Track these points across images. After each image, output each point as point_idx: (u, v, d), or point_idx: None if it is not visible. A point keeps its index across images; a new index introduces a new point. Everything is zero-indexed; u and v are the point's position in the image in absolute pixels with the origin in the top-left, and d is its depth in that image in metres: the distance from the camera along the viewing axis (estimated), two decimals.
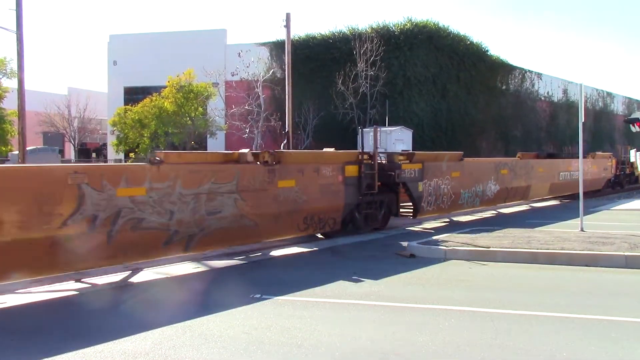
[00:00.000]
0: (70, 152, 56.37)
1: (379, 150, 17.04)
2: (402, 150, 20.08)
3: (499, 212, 22.93)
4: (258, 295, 9.19)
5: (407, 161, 17.19)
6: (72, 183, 9.70)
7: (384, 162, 17.02)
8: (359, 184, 15.60)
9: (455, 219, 20.39)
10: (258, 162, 13.31)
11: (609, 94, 67.20)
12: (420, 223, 19.06)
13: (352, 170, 15.42)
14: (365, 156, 16.00)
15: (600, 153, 32.12)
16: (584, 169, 25.71)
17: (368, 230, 16.35)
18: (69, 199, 9.64)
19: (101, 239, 10.09)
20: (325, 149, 16.07)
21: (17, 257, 9.14)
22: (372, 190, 15.95)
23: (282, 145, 32.65)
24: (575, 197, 22.65)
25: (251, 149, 38.02)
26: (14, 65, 31.27)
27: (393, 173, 16.50)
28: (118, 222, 10.26)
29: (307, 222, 14.23)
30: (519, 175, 22.75)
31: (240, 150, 13.78)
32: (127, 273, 11.18)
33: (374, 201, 16.45)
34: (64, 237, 9.58)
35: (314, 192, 14.25)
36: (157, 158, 11.25)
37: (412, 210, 17.76)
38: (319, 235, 15.46)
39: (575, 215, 16.57)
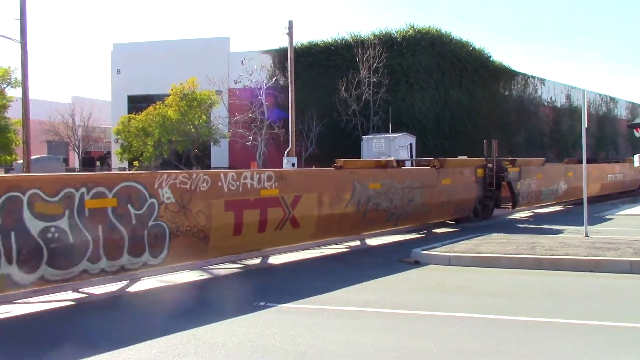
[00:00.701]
0: (75, 160, 56.56)
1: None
2: (505, 159, 23.12)
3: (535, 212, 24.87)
4: (262, 303, 9.19)
5: (511, 165, 21.63)
6: (350, 180, 15.02)
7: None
8: (483, 182, 20.65)
9: (537, 210, 24.76)
10: (431, 167, 18.67)
11: (612, 98, 67.14)
12: (511, 214, 23.40)
13: (480, 172, 20.59)
14: (487, 161, 20.79)
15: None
16: (622, 171, 30.97)
17: (481, 218, 20.77)
18: (348, 190, 15.01)
19: (360, 215, 15.39)
20: (460, 157, 21.69)
21: (328, 225, 14.54)
22: (491, 187, 20.74)
23: (286, 152, 32.71)
24: (608, 197, 29.05)
25: (255, 157, 38.26)
26: (18, 75, 31.51)
27: (503, 174, 20.94)
28: (368, 204, 15.52)
29: (456, 209, 19.52)
30: (579, 177, 25.46)
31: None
32: (124, 283, 11.17)
33: (489, 196, 20.92)
34: (346, 213, 14.89)
35: (460, 187, 19.38)
36: (387, 162, 17.42)
37: (511, 203, 21.85)
38: (450, 222, 20.14)
39: (580, 220, 16.53)
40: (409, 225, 18.20)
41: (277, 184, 13.00)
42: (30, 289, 9.63)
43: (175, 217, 10.88)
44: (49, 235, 9.13)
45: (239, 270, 12.53)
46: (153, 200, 10.54)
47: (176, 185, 10.97)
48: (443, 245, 13.78)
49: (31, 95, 27.56)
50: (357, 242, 16.18)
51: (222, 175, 12.07)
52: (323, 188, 14.38)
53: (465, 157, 21.08)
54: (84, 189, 9.60)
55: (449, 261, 12.38)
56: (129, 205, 10.18)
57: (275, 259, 13.65)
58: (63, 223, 9.29)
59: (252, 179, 12.49)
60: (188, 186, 11.19)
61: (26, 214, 8.94)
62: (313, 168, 17.70)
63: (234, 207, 12.02)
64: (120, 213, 10.03)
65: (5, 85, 33.62)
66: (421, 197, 17.57)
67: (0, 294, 9.28)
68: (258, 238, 12.88)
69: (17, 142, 32.71)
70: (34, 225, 9.00)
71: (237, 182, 12.18)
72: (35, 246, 9.00)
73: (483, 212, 21.06)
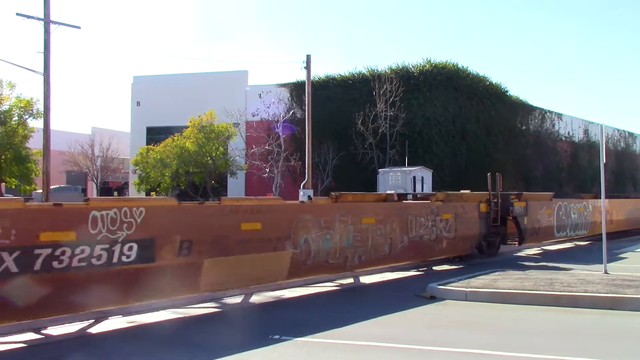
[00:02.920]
0: (93, 190, 57.06)
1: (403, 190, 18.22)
2: (511, 193, 22.56)
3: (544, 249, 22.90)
4: (277, 337, 9.14)
5: (517, 199, 20.91)
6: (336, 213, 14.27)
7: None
8: (487, 217, 19.76)
9: (546, 247, 23.66)
10: (432, 201, 18.46)
11: (630, 134, 66.73)
12: (519, 251, 22.38)
13: (484, 207, 19.75)
14: (491, 195, 19.99)
15: None
16: (636, 206, 30.39)
17: (486, 255, 19.95)
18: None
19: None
20: (463, 191, 20.44)
21: (460, 245, 18.37)
22: (496, 222, 19.90)
23: (302, 184, 32.78)
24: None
25: (272, 189, 38.36)
26: (39, 106, 32.00)
27: (509, 209, 20.24)
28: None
29: (457, 245, 18.73)
30: (592, 213, 26.01)
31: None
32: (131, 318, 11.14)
33: (494, 232, 20.16)
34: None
35: (462, 223, 18.64)
36: (387, 196, 17.12)
37: (518, 239, 21.12)
38: (453, 258, 19.28)
39: (598, 257, 16.32)
40: (406, 262, 17.13)
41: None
42: None
43: None
44: None
45: (255, 302, 12.47)
46: None
47: None
48: (460, 280, 13.64)
49: (52, 126, 27.99)
50: (350, 280, 15.30)
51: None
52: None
53: (468, 191, 20.40)
54: None
55: (466, 296, 12.24)
56: None
57: (283, 293, 13.58)
58: None
59: (232, 211, 11.92)
60: None
61: None
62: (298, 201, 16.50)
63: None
64: None
65: (27, 116, 34.18)
66: (467, 226, 18.37)
67: None
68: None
69: (37, 173, 33.12)
70: None
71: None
72: None
73: (488, 248, 20.24)
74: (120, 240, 9.91)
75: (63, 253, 9.28)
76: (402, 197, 18.96)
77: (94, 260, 9.60)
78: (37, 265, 9.03)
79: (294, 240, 12.97)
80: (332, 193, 15.00)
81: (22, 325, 9.67)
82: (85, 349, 8.90)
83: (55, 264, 9.19)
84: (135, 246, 10.08)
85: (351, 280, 15.39)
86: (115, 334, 9.77)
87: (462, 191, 20.35)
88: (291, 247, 12.90)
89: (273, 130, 38.36)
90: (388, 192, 21.07)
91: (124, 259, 9.96)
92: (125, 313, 10.90)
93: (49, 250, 9.14)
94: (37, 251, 9.04)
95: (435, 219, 17.46)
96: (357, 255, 14.77)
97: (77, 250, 9.41)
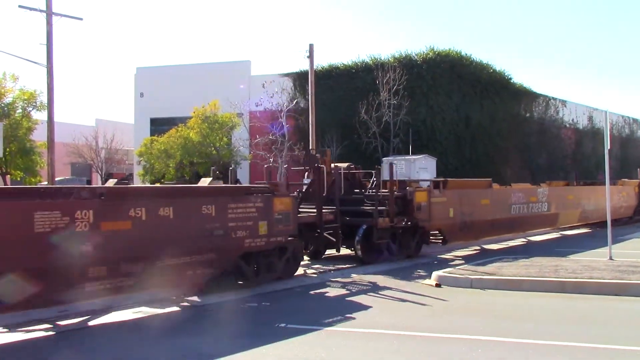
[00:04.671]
0: (97, 182, 57.18)
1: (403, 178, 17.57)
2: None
3: (528, 240, 22.73)
4: (283, 325, 9.19)
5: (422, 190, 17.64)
6: None
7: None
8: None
9: (485, 246, 20.30)
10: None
11: (635, 120, 66.42)
12: (449, 251, 19.09)
13: None
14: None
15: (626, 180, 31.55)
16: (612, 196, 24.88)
17: (402, 257, 16.86)
18: None
19: None
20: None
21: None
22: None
23: (306, 173, 32.79)
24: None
25: (276, 178, 38.37)
26: (43, 98, 32.00)
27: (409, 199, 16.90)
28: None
29: None
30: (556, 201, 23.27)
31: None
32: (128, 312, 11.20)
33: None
34: None
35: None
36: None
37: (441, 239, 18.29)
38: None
39: (603, 243, 16.32)
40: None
41: None
42: None
43: None
44: None
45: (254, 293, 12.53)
46: None
47: None
48: (464, 267, 13.67)
49: (56, 118, 28.01)
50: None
51: None
52: None
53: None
54: None
55: (471, 284, 12.28)
56: None
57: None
58: None
59: None
60: None
61: None
62: None
63: None
64: None
65: (31, 109, 34.18)
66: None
67: None
68: None
69: (42, 165, 33.16)
70: None
71: None
72: None
73: (400, 250, 16.84)
74: None
75: None
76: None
77: None
78: None
79: None
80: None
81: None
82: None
83: None
84: None
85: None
86: (114, 325, 9.84)
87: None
88: None
89: (271, 128, 38.18)
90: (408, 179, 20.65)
91: None
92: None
93: None
94: None
95: None
96: None
97: None
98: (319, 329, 8.91)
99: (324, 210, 14.98)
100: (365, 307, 10.50)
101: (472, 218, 18.76)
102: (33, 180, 33.79)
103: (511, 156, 45.21)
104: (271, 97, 39.02)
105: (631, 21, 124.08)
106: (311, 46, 32.65)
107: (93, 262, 9.54)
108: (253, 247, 12.26)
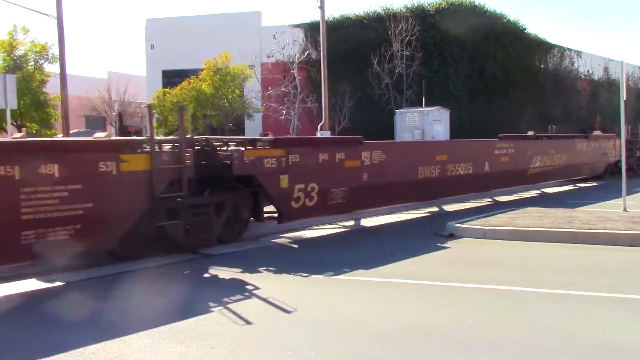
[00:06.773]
0: (112, 135, 57.41)
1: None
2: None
3: (542, 191, 22.93)
4: (305, 275, 9.38)
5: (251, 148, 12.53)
6: None
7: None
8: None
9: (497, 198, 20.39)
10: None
11: None
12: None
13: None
14: None
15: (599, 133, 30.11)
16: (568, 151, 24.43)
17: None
18: None
19: None
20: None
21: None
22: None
23: (320, 125, 32.76)
24: None
25: (289, 131, 38.39)
26: (55, 51, 31.91)
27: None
28: None
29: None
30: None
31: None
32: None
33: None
34: None
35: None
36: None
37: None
38: None
39: (617, 195, 16.33)
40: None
41: None
42: None
43: None
44: None
45: (287, 241, 12.71)
46: None
47: None
48: (478, 218, 13.77)
49: (68, 71, 27.97)
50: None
51: None
52: None
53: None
54: None
55: (485, 234, 12.39)
56: None
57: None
58: None
59: None
60: None
61: None
62: None
63: None
64: None
65: (43, 61, 34.15)
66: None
67: None
68: None
69: (57, 117, 33.29)
70: None
71: None
72: None
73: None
74: None
75: None
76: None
77: None
78: None
79: None
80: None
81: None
82: None
83: None
84: None
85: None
86: None
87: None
88: None
89: (288, 72, 37.97)
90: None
91: None
92: None
93: None
94: None
95: None
96: None
97: None
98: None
99: None
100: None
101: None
102: (49, 132, 34.01)
103: (526, 108, 44.75)
104: (282, 48, 38.70)
105: None
106: None
107: None
108: None
